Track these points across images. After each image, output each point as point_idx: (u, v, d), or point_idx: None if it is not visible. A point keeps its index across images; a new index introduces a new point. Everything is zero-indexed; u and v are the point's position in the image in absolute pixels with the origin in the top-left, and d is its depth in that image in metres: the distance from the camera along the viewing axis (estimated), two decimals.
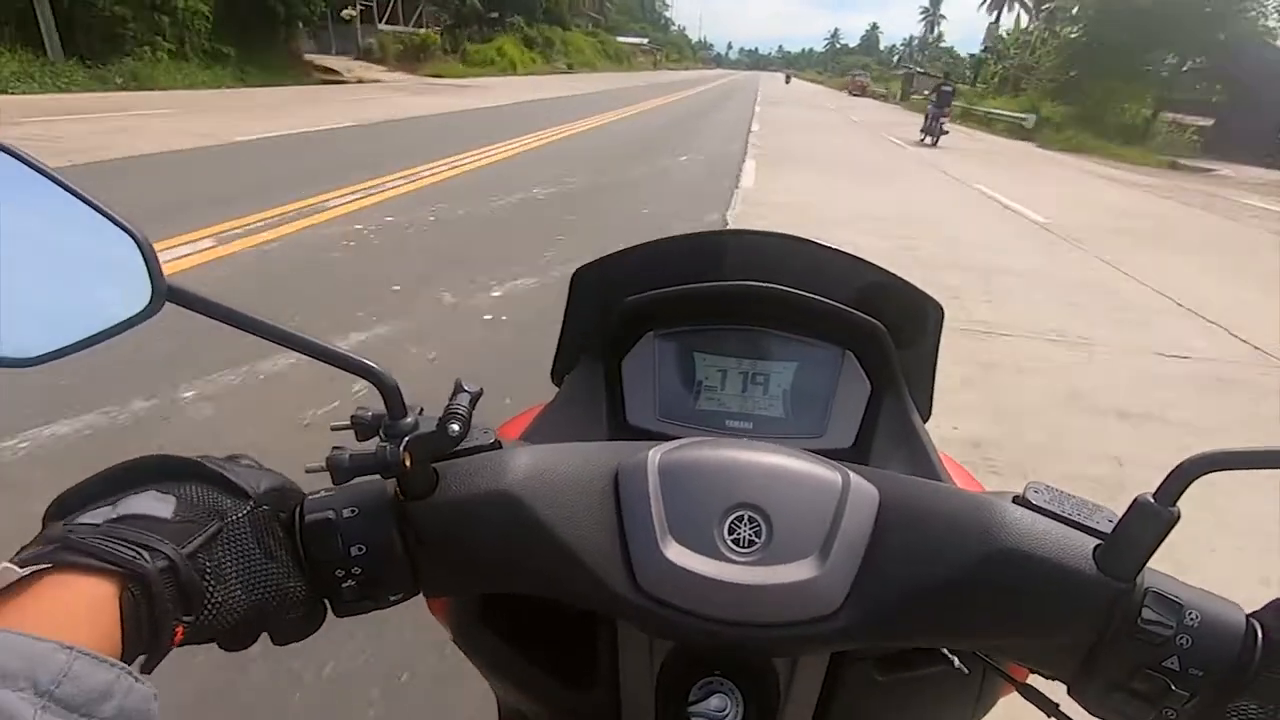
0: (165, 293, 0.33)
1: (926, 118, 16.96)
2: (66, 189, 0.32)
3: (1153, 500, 0.34)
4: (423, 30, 34.65)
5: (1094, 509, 0.38)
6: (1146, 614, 0.34)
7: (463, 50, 34.47)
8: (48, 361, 0.33)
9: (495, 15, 39.11)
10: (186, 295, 0.33)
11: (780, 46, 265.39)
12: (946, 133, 16.68)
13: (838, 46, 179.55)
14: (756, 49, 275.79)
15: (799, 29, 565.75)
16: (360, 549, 0.37)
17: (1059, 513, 0.37)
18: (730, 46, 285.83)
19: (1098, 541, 0.36)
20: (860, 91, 52.94)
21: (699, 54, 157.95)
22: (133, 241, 0.33)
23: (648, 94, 26.40)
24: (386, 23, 34.27)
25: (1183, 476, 0.33)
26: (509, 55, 37.70)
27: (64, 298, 0.33)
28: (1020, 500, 0.38)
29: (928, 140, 16.65)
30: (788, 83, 66.07)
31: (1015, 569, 0.36)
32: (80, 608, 0.28)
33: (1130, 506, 0.35)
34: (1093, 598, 0.35)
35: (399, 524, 0.38)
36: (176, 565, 0.31)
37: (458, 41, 34.92)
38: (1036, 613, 0.36)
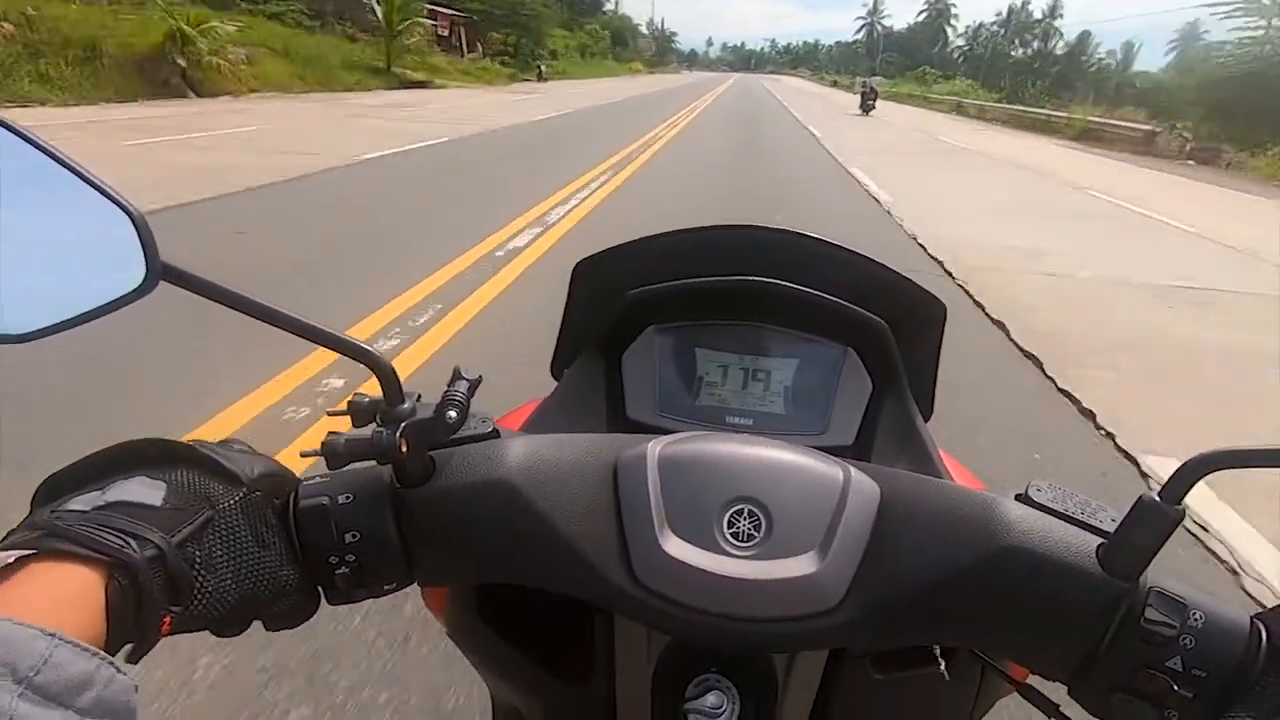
0: (160, 271, 0.34)
1: None
2: (64, 164, 0.32)
3: (1157, 499, 0.35)
4: None
5: (1097, 507, 0.39)
6: (1150, 614, 0.35)
7: None
8: (39, 338, 0.33)
9: None
10: (181, 274, 0.34)
11: (774, 40, 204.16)
12: None
13: (875, 34, 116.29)
14: (743, 44, 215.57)
15: (785, 28, 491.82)
16: (354, 535, 0.38)
17: (1062, 510, 0.38)
18: (710, 43, 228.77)
19: (1101, 540, 0.37)
20: None
21: (631, 47, 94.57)
22: (129, 219, 0.33)
23: None
24: None
25: (1188, 475, 0.34)
26: None
27: (58, 274, 0.34)
28: (1023, 497, 0.40)
29: None
30: (867, 108, 26.57)
31: (1017, 567, 0.37)
32: (65, 596, 0.29)
33: (1134, 505, 0.36)
34: (1095, 597, 0.36)
35: (394, 511, 0.39)
36: (165, 555, 0.32)
37: None
38: (1038, 611, 0.37)
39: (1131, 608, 0.36)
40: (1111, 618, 0.36)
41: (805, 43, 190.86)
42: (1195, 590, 0.37)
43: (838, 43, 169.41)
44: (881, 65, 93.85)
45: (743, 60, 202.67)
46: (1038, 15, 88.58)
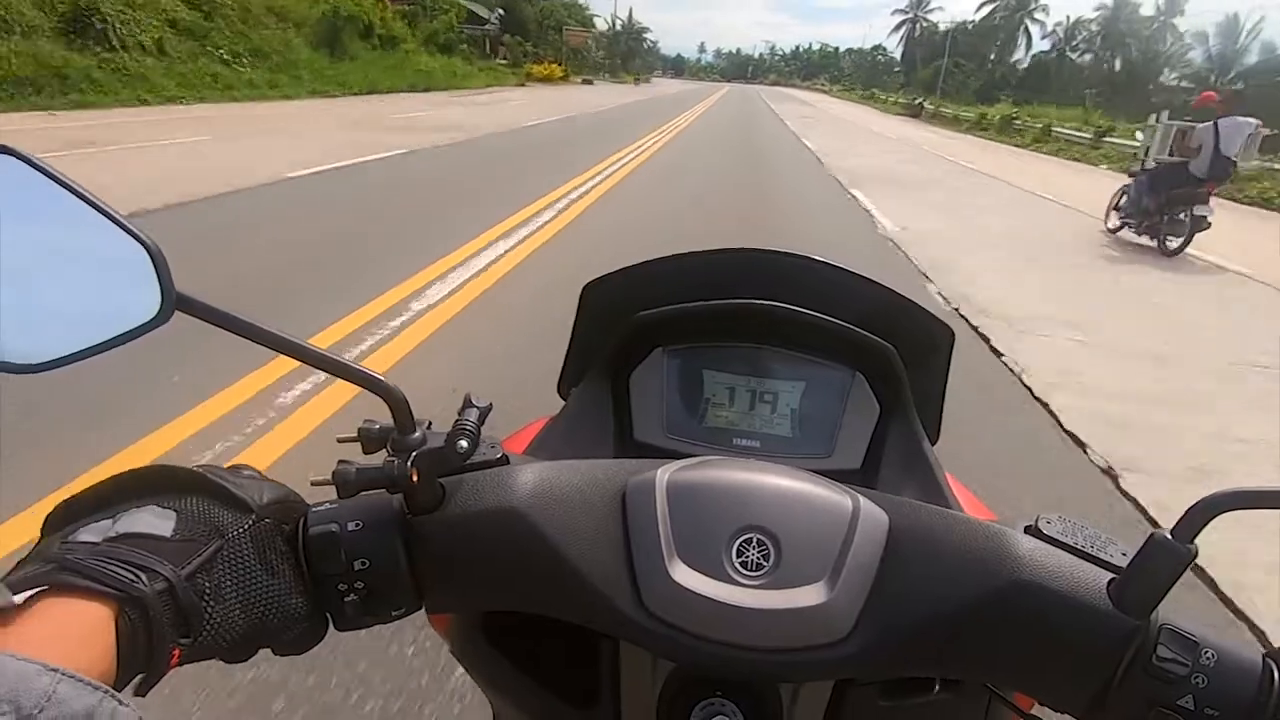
0: (175, 301, 0.35)
1: None
2: (79, 196, 0.33)
3: (1169, 536, 0.35)
4: None
5: (1107, 541, 0.39)
6: (1161, 651, 0.35)
7: None
8: (54, 368, 0.34)
9: None
10: (195, 304, 0.35)
11: (774, 45, 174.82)
12: None
13: (918, 33, 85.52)
14: (738, 50, 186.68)
15: (780, 39, 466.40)
16: (364, 563, 0.39)
17: (1072, 544, 0.39)
18: (703, 49, 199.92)
19: (1112, 576, 0.37)
20: None
21: (547, 41, 64.31)
22: (144, 250, 0.34)
23: None
24: None
25: (1199, 515, 0.34)
26: None
27: (73, 304, 0.34)
28: (1032, 530, 0.40)
29: None
30: None
31: (1027, 601, 0.37)
32: (75, 630, 0.29)
33: (1146, 541, 0.36)
34: (1106, 633, 0.36)
35: (404, 538, 0.39)
36: (175, 588, 0.32)
37: None
38: (1048, 647, 0.37)
39: (1143, 645, 0.36)
40: (1123, 655, 0.36)
41: (823, 48, 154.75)
42: (1207, 629, 0.36)
43: (848, 50, 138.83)
44: (947, 79, 64.10)
45: (738, 68, 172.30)
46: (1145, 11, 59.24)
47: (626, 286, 0.62)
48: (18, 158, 0.32)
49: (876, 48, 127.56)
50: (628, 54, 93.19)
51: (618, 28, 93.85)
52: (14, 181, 0.32)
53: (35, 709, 0.24)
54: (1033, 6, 69.74)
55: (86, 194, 0.33)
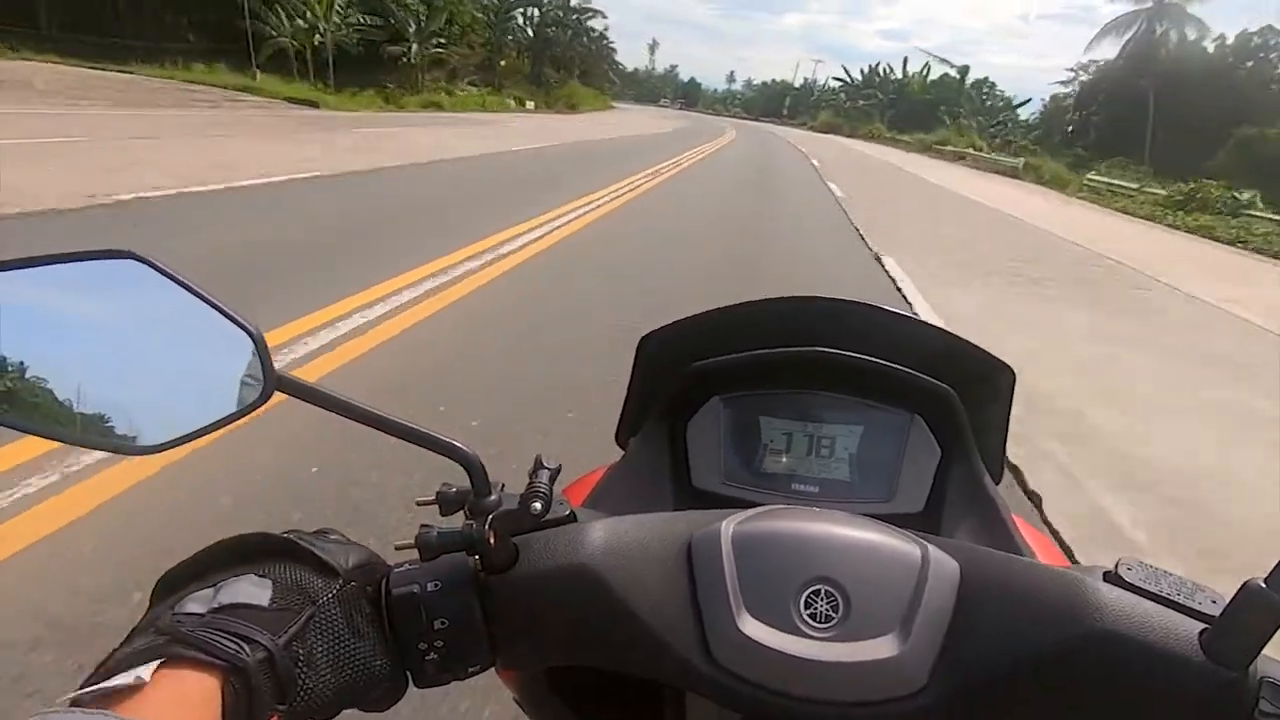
0: (275, 383, 0.37)
1: None
2: (189, 290, 0.36)
3: (1263, 585, 0.34)
4: None
5: (1194, 588, 0.38)
6: (1264, 706, 0.34)
7: None
8: (163, 450, 0.37)
9: None
10: (292, 383, 0.38)
11: (816, 78, 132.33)
12: None
13: (1148, 40, 38.64)
14: (773, 79, 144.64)
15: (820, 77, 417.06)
16: (443, 622, 0.40)
17: (1157, 593, 0.37)
18: (732, 78, 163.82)
19: (1204, 626, 0.36)
20: None
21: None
22: (248, 337, 0.37)
23: None
24: None
25: None
26: None
27: (182, 391, 0.37)
28: (1112, 577, 0.39)
29: None
30: None
31: (1114, 652, 0.36)
32: (188, 700, 0.31)
33: (1240, 590, 0.34)
34: (1202, 686, 0.35)
35: (480, 597, 0.41)
36: (274, 657, 0.34)
37: None
38: (1137, 702, 0.36)
39: (1242, 699, 0.34)
40: (1220, 709, 0.35)
41: (925, 68, 78.12)
42: None
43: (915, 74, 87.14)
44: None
45: (771, 100, 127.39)
46: None
47: (683, 337, 0.63)
48: (138, 260, 0.35)
49: (980, 82, 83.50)
50: (542, 53, 47.84)
51: None
52: (135, 280, 0.35)
53: None
54: None
55: (197, 289, 0.36)
